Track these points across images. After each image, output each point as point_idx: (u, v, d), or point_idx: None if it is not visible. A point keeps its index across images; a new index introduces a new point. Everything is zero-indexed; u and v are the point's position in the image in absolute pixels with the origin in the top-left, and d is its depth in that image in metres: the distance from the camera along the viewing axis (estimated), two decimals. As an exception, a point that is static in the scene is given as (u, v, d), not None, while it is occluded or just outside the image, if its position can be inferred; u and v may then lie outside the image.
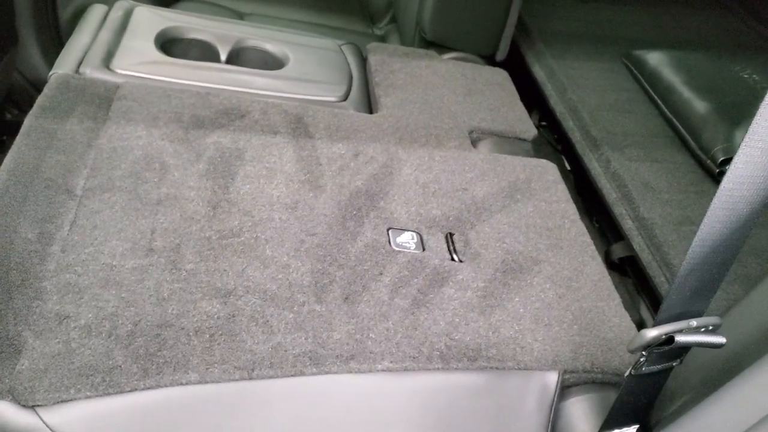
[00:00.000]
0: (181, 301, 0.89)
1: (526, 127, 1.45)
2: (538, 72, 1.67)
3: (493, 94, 1.54)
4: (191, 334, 0.86)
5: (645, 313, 1.45)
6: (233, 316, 0.89)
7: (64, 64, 1.29)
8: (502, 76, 1.62)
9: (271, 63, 1.50)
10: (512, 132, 1.43)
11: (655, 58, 1.62)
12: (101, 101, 1.21)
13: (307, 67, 1.47)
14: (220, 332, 0.87)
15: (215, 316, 0.88)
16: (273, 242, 1.02)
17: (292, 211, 1.09)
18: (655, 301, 1.39)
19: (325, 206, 1.11)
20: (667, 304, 0.73)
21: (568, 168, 1.76)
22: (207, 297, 0.90)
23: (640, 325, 1.42)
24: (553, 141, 1.84)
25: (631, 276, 1.49)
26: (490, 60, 1.75)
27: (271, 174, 1.15)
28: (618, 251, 1.46)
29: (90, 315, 0.85)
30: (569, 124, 1.50)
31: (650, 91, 1.57)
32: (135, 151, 1.12)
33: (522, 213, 1.20)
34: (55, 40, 1.93)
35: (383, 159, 1.25)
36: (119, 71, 1.30)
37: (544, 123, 1.89)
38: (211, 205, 1.05)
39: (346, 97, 1.42)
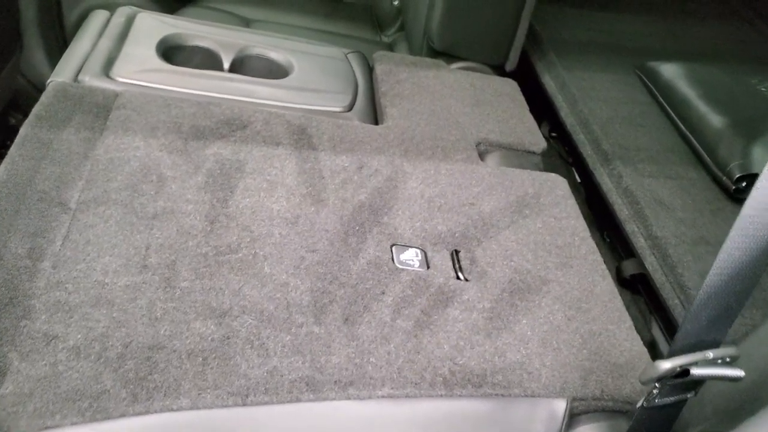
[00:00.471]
0: (174, 322, 0.86)
1: (536, 139, 1.42)
2: (549, 83, 1.63)
3: (502, 105, 1.50)
4: (183, 356, 0.82)
5: (657, 333, 1.41)
6: (228, 338, 0.85)
7: (62, 72, 1.26)
8: (511, 86, 1.58)
9: (275, 71, 1.46)
10: (521, 145, 1.40)
11: (670, 70, 1.58)
12: (99, 110, 1.18)
13: (311, 76, 1.43)
14: (213, 355, 0.83)
15: (209, 338, 0.85)
16: (272, 259, 0.98)
17: (292, 226, 1.05)
18: (667, 320, 1.35)
19: (326, 221, 1.08)
20: (682, 333, 0.70)
21: (579, 180, 1.72)
22: (201, 317, 0.87)
23: (652, 347, 1.38)
24: (564, 152, 1.81)
25: (643, 294, 1.45)
26: (499, 70, 1.71)
27: (271, 187, 1.11)
28: (629, 268, 1.42)
29: (79, 336, 0.82)
30: (580, 137, 1.46)
31: (664, 104, 1.53)
32: (132, 162, 1.09)
33: (530, 229, 1.17)
34: (60, 45, 1.91)
35: (388, 172, 1.22)
36: (119, 79, 1.27)
37: (554, 134, 1.85)
38: (209, 219, 1.02)
39: (351, 108, 1.38)
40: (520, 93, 1.57)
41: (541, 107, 1.70)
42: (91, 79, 1.25)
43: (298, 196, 1.11)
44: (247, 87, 1.34)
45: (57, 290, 0.86)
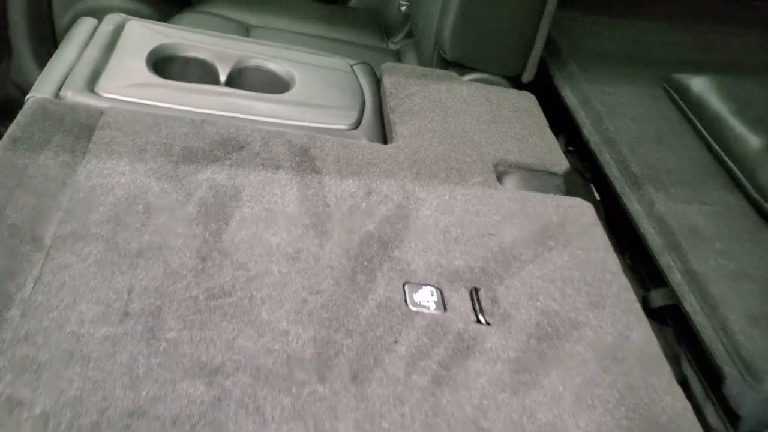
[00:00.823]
0: (159, 381, 0.75)
1: (557, 159, 1.31)
2: (570, 96, 1.52)
3: (519, 121, 1.39)
4: (168, 424, 0.71)
5: (688, 370, 1.30)
6: (219, 400, 0.75)
7: (43, 87, 1.16)
8: (529, 101, 1.47)
9: (275, 85, 1.36)
10: (542, 165, 1.29)
11: (700, 84, 1.47)
12: (82, 130, 1.07)
13: (314, 90, 1.33)
14: (202, 421, 0.72)
15: (198, 401, 0.74)
16: (270, 302, 0.87)
17: (293, 262, 0.94)
18: (698, 354, 1.24)
19: (331, 256, 0.97)
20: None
21: (598, 198, 1.61)
22: (189, 376, 0.76)
23: (683, 384, 1.27)
24: (582, 168, 1.69)
25: (671, 325, 1.34)
26: (514, 81, 1.60)
27: (271, 217, 1.00)
28: (658, 299, 1.31)
29: (48, 400, 0.71)
30: (605, 158, 1.34)
31: (695, 121, 1.42)
32: (116, 190, 0.98)
33: (557, 263, 1.06)
34: (51, 50, 1.80)
35: (399, 198, 1.11)
36: (105, 95, 1.17)
37: (571, 148, 1.74)
38: (200, 256, 0.91)
39: (357, 125, 1.27)
40: (539, 108, 1.46)
41: (559, 121, 1.59)
42: (74, 95, 1.15)
43: (300, 227, 1.00)
44: (245, 103, 1.23)
45: (25, 344, 0.76)
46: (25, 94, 1.55)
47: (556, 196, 1.20)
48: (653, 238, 1.18)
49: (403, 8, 2.01)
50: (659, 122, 1.44)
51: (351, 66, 1.45)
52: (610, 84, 1.54)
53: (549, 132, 1.38)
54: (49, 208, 0.93)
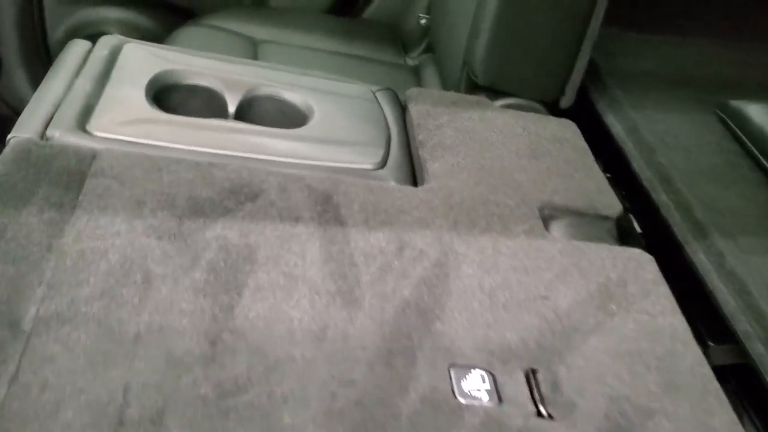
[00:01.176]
0: None
1: (609, 200, 1.16)
2: (615, 124, 1.37)
3: (562, 155, 1.24)
4: None
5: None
6: None
7: (27, 124, 1.01)
8: (570, 130, 1.33)
9: (290, 116, 1.21)
10: (592, 208, 1.14)
11: (759, 112, 1.32)
12: (71, 179, 0.93)
13: (335, 123, 1.18)
14: None
15: None
16: (293, 400, 0.73)
17: (319, 343, 0.80)
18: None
19: (363, 332, 0.82)
20: None
21: (639, 231, 1.46)
22: None
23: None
24: (620, 196, 1.54)
25: (733, 384, 1.19)
26: (551, 106, 1.46)
27: (290, 284, 0.86)
28: (722, 357, 1.16)
29: None
30: (662, 198, 1.20)
31: (756, 153, 1.27)
32: (110, 255, 0.83)
33: (621, 333, 0.91)
34: (44, 66, 1.67)
35: (435, 254, 0.96)
36: (98, 134, 1.02)
37: (608, 175, 1.59)
38: (209, 338, 0.77)
39: (384, 164, 1.13)
40: (582, 138, 1.31)
41: (598, 147, 1.45)
42: (63, 135, 1.00)
43: (324, 296, 0.86)
44: (258, 140, 1.09)
45: (-5, 469, 0.61)
46: (17, 113, 1.40)
47: (612, 246, 1.06)
48: (726, 299, 1.03)
49: (423, 21, 1.87)
50: (715, 155, 1.29)
51: (374, 93, 1.31)
52: (658, 110, 1.39)
53: (596, 167, 1.24)
54: (30, 282, 0.78)
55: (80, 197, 0.90)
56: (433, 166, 1.14)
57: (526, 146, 1.24)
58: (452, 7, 1.62)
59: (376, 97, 1.30)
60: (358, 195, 1.03)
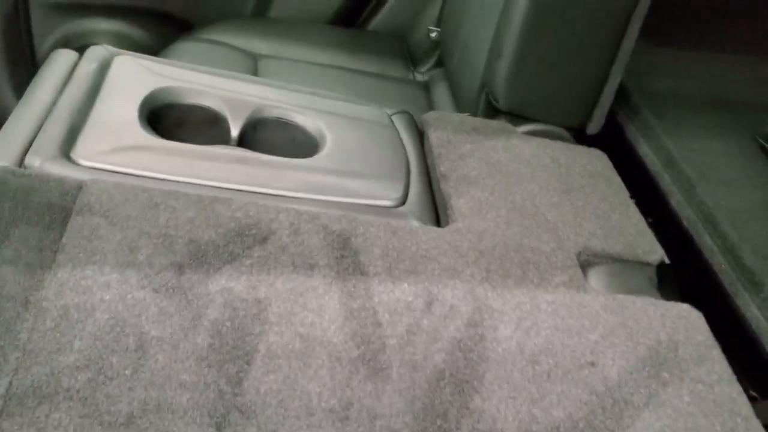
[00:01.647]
0: None
1: (649, 245, 1.06)
2: (648, 154, 1.27)
3: (596, 191, 1.14)
4: None
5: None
6: None
7: (2, 151, 0.88)
8: (602, 162, 1.22)
9: (300, 142, 1.09)
10: (633, 254, 1.04)
11: (805, 143, 1.23)
12: (53, 217, 0.81)
13: (350, 151, 1.06)
14: None
15: None
16: (317, 503, 0.61)
17: (342, 425, 0.68)
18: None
19: (392, 410, 0.71)
20: None
21: (667, 262, 1.35)
22: None
23: None
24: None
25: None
26: (577, 132, 1.35)
27: (307, 349, 0.74)
28: (769, 416, 1.06)
29: None
30: (707, 242, 1.09)
31: (804, 189, 1.17)
32: (98, 313, 0.71)
33: (677, 407, 0.80)
34: (30, 77, 1.55)
35: (468, 310, 0.85)
36: (84, 163, 0.90)
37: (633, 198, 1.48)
38: (215, 420, 0.65)
39: (404, 200, 1.02)
40: (615, 171, 1.21)
41: (629, 178, 1.34)
42: (44, 163, 0.88)
43: (347, 364, 0.74)
44: (266, 172, 0.97)
45: None
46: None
47: (658, 301, 0.95)
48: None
49: (433, 35, 1.76)
50: (761, 190, 1.19)
51: (390, 117, 1.19)
52: (694, 138, 1.29)
53: (633, 206, 1.13)
54: (0, 348, 0.66)
55: (63, 239, 0.78)
56: (458, 202, 1.03)
57: (557, 180, 1.13)
58: (467, 21, 1.51)
59: (392, 121, 1.18)
60: (378, 238, 0.91)
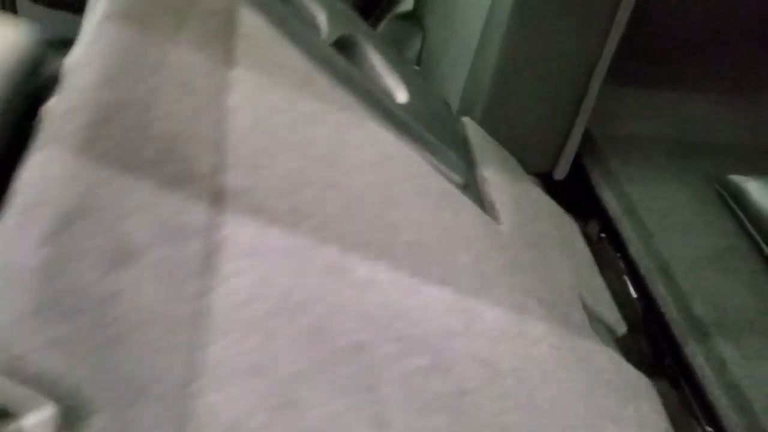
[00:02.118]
0: None
1: (613, 316, 1.08)
2: (610, 201, 1.32)
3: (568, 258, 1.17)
4: None
5: None
6: None
7: None
8: (570, 229, 1.23)
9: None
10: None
11: (759, 189, 1.28)
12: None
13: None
14: None
15: None
16: None
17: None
18: None
19: None
20: None
21: (634, 296, 1.41)
22: None
23: None
24: (615, 257, 1.48)
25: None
26: (544, 178, 1.41)
27: None
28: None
29: None
30: (660, 291, 1.15)
31: (758, 239, 1.23)
32: None
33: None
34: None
35: None
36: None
37: (603, 234, 1.54)
38: None
39: None
40: (582, 238, 1.23)
41: (590, 209, 1.40)
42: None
43: None
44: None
45: None
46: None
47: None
48: (727, 414, 0.99)
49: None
50: (716, 237, 1.24)
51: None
52: (655, 184, 1.34)
53: (599, 276, 1.15)
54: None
55: None
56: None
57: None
58: (443, 68, 1.56)
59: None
60: None
